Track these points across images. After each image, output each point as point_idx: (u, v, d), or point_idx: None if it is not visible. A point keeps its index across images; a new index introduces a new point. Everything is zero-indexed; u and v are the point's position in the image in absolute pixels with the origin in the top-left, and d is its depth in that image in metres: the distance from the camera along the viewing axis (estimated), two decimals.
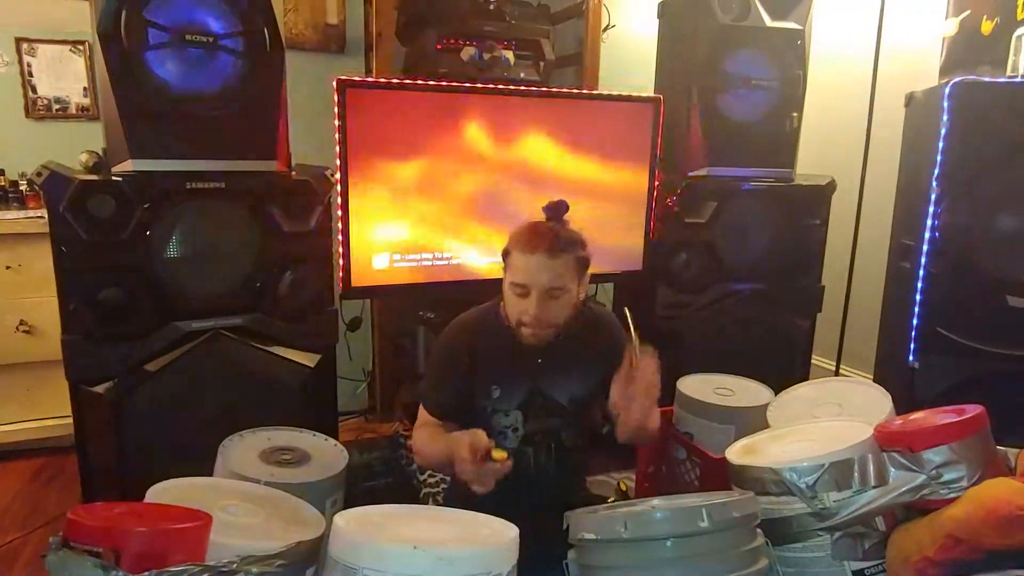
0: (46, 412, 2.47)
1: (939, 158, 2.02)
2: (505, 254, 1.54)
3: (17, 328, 2.42)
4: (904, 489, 1.27)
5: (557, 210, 1.53)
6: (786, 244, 2.56)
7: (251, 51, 1.84)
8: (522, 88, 2.30)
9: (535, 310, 1.48)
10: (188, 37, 1.75)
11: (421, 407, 1.65)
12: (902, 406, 2.16)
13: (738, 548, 1.21)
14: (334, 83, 2.01)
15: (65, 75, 2.72)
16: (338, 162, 2.06)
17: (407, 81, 2.14)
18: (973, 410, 1.31)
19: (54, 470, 2.41)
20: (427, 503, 2.00)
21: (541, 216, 1.56)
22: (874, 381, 2.45)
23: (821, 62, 2.87)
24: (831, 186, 2.57)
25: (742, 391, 2.15)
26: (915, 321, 2.13)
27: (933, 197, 2.04)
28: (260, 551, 1.13)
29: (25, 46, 2.64)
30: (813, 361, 2.93)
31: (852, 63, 2.92)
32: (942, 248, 2.05)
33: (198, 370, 1.88)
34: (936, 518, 1.19)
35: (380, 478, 2.31)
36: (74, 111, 2.74)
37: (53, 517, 2.16)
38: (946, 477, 1.25)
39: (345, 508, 1.80)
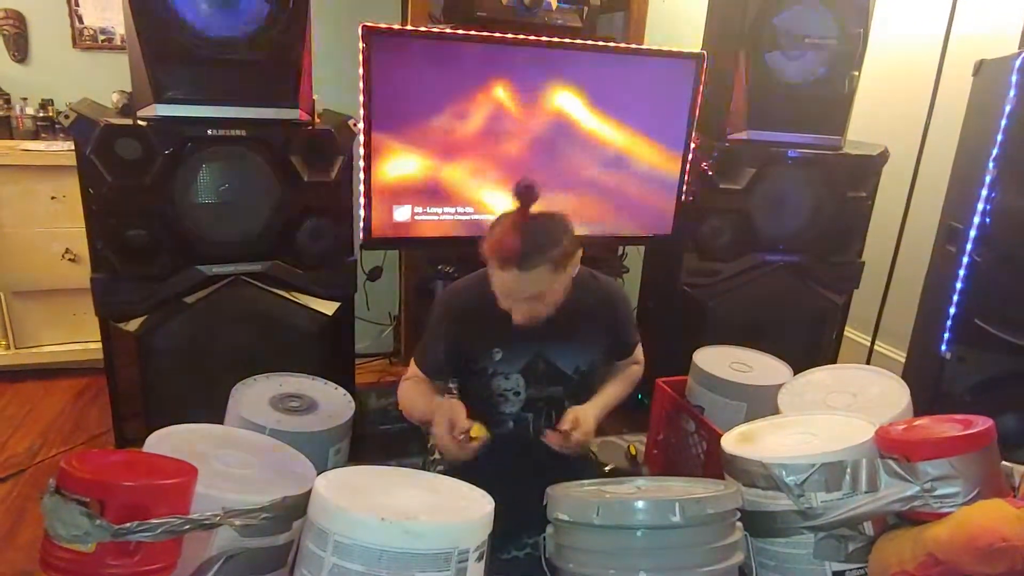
0: (91, 336, 2.61)
1: (999, 137, 1.86)
2: (482, 256, 1.50)
3: (63, 256, 2.55)
4: (895, 498, 1.23)
5: (524, 197, 1.41)
6: (828, 216, 2.43)
7: None
8: (555, 40, 2.20)
9: (518, 316, 1.49)
10: None
11: (412, 360, 1.69)
12: (929, 397, 2.09)
13: (712, 543, 1.21)
14: (359, 30, 1.96)
15: (110, 5, 2.73)
16: (362, 112, 2.03)
17: (434, 30, 2.07)
18: (982, 424, 1.25)
19: (96, 390, 2.57)
20: (433, 454, 2.05)
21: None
22: (905, 366, 2.37)
23: (884, 21, 2.64)
24: (883, 156, 2.40)
25: (760, 368, 2.11)
26: (952, 310, 2.02)
27: (988, 179, 1.89)
28: (246, 504, 1.20)
29: None
30: (849, 335, 2.84)
31: (920, 24, 2.68)
32: (991, 235, 1.92)
33: (219, 313, 1.94)
34: (921, 533, 1.16)
35: (395, 423, 2.38)
36: (119, 42, 2.76)
37: (93, 435, 2.33)
38: (940, 491, 1.20)
39: (357, 450, 1.90)
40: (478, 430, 1.40)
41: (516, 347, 1.63)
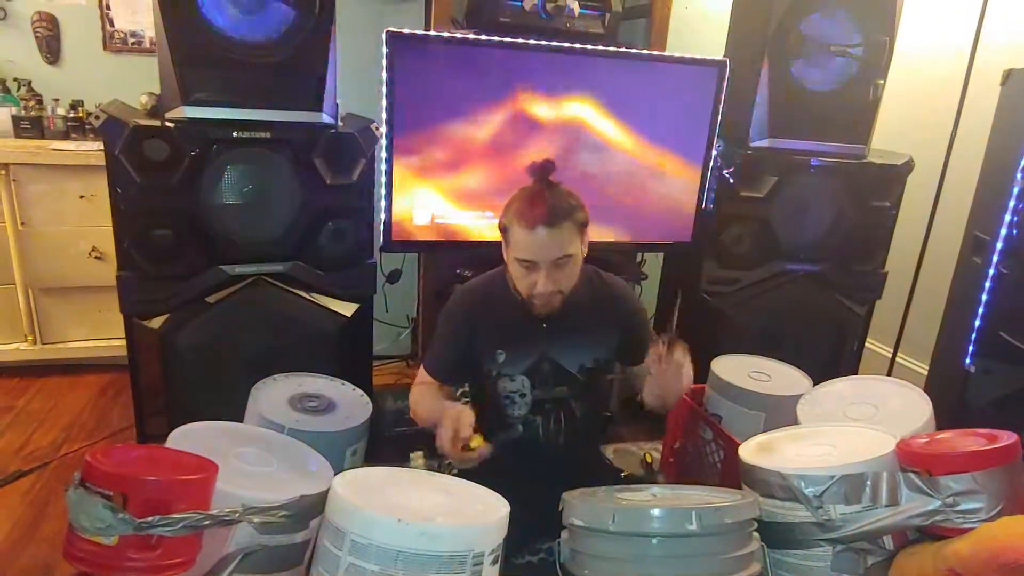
0: (115, 333, 2.63)
1: None
2: (503, 228, 1.52)
3: (90, 254, 2.60)
4: (916, 513, 1.21)
5: (543, 171, 1.49)
6: (850, 225, 2.40)
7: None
8: (576, 47, 2.21)
9: (544, 285, 1.48)
10: None
11: (422, 366, 1.69)
12: (952, 410, 2.06)
13: (728, 552, 1.20)
14: (383, 35, 1.98)
15: (140, 9, 2.78)
16: (384, 116, 2.05)
17: (457, 35, 2.09)
18: (1006, 438, 1.23)
19: (120, 386, 2.61)
20: (445, 457, 2.06)
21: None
22: (928, 379, 2.34)
23: (911, 28, 2.62)
24: (907, 166, 2.37)
25: (779, 377, 2.08)
26: (977, 322, 1.99)
27: (1015, 190, 1.86)
28: (265, 502, 1.21)
29: None
30: (871, 346, 2.80)
31: (947, 33, 2.65)
32: (1018, 247, 1.88)
33: (240, 313, 1.97)
34: (942, 548, 1.14)
35: (411, 425, 2.38)
36: (148, 45, 2.82)
37: (117, 430, 2.37)
38: (963, 506, 1.18)
39: (373, 451, 1.91)
40: (477, 441, 1.40)
41: (520, 347, 1.63)
